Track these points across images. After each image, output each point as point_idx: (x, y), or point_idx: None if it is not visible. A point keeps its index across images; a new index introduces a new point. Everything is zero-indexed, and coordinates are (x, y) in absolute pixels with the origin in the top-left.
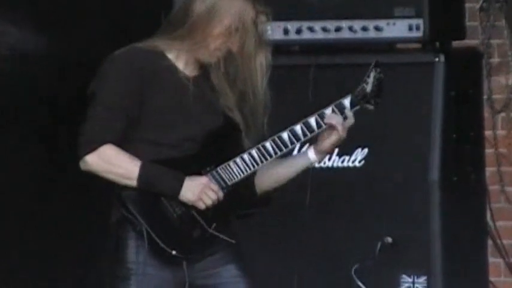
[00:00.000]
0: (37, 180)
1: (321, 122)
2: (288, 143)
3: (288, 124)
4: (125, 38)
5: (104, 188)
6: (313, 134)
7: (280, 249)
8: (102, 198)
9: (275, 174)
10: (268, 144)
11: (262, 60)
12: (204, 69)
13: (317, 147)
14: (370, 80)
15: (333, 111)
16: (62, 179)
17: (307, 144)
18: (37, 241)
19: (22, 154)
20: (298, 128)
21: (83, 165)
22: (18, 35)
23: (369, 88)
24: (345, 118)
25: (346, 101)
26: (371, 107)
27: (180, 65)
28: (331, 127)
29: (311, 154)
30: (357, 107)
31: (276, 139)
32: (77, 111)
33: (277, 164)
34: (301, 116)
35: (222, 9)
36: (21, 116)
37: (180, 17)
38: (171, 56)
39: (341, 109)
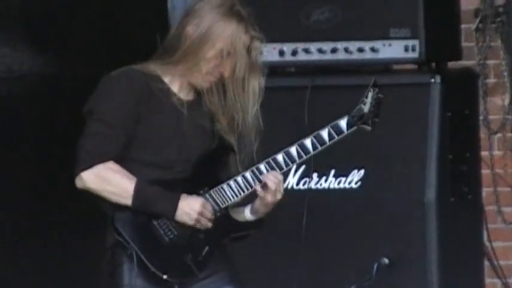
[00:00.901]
0: (35, 201)
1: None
2: (283, 165)
3: (283, 146)
4: (120, 59)
5: (102, 210)
6: (308, 156)
7: (276, 271)
8: (100, 221)
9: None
10: (262, 167)
11: (255, 86)
12: (198, 94)
13: (252, 207)
14: (368, 100)
15: (329, 132)
16: (59, 199)
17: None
18: (33, 263)
19: (20, 175)
20: (293, 149)
21: (78, 183)
22: (15, 56)
23: (366, 108)
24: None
25: (343, 122)
26: (368, 128)
27: (175, 88)
28: (265, 186)
29: (247, 212)
30: (354, 128)
31: (271, 161)
32: (74, 131)
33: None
34: (297, 138)
35: (215, 33)
36: (18, 137)
37: (174, 43)
38: (166, 80)
39: (337, 130)
